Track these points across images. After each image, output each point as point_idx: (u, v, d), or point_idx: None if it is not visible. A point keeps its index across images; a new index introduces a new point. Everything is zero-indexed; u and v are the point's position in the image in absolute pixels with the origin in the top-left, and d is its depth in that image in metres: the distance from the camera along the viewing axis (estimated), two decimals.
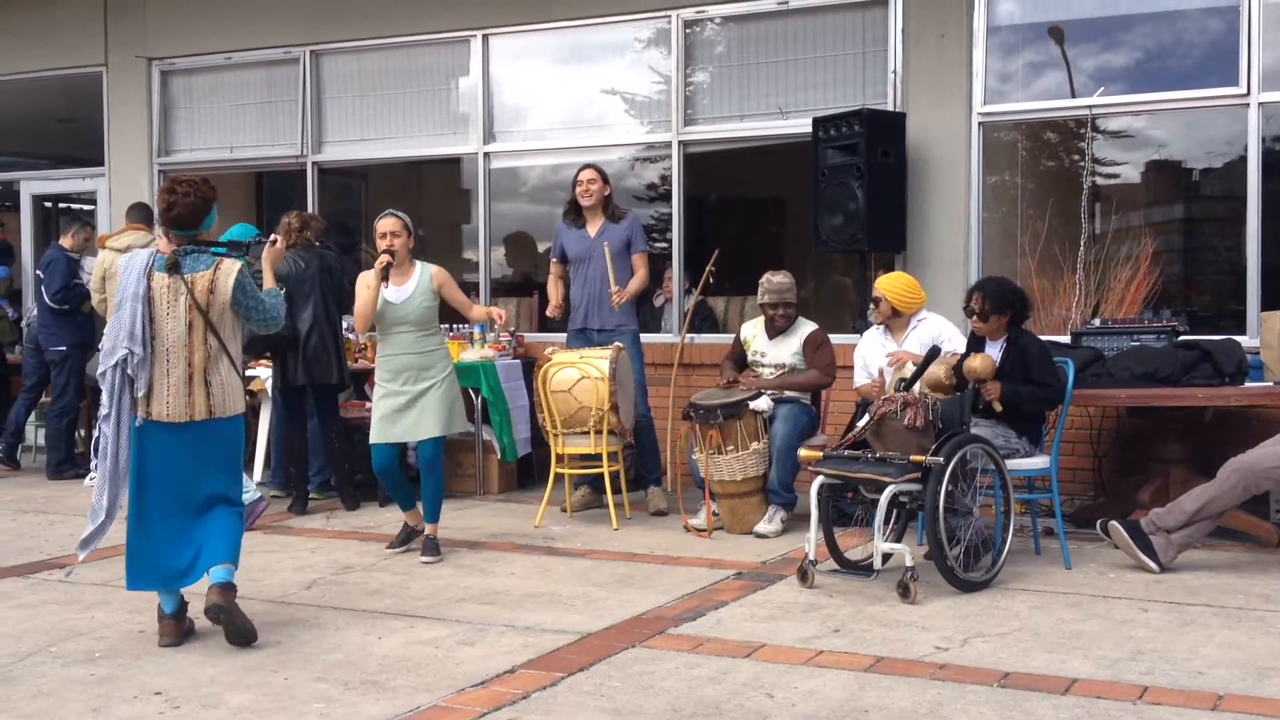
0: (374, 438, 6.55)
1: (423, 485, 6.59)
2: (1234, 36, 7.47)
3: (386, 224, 6.51)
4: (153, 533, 4.96)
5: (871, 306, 7.03)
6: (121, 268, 5.01)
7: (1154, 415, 7.01)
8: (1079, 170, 8.17)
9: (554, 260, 8.07)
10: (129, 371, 4.90)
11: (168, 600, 4.99)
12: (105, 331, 5.07)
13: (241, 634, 4.87)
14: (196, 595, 5.09)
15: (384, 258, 6.41)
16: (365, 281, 6.49)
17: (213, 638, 5.02)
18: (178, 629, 4.97)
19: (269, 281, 5.29)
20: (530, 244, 10.99)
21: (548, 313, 8.05)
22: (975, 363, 6.13)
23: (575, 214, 7.89)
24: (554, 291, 8.04)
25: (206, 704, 4.24)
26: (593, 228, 7.83)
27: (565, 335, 8.03)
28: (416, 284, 6.53)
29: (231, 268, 5.01)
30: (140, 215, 9.21)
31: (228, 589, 4.89)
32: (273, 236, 5.51)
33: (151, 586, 4.99)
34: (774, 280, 7.34)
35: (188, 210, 5.02)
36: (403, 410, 6.49)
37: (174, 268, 4.93)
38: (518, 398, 8.51)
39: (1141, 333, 7.17)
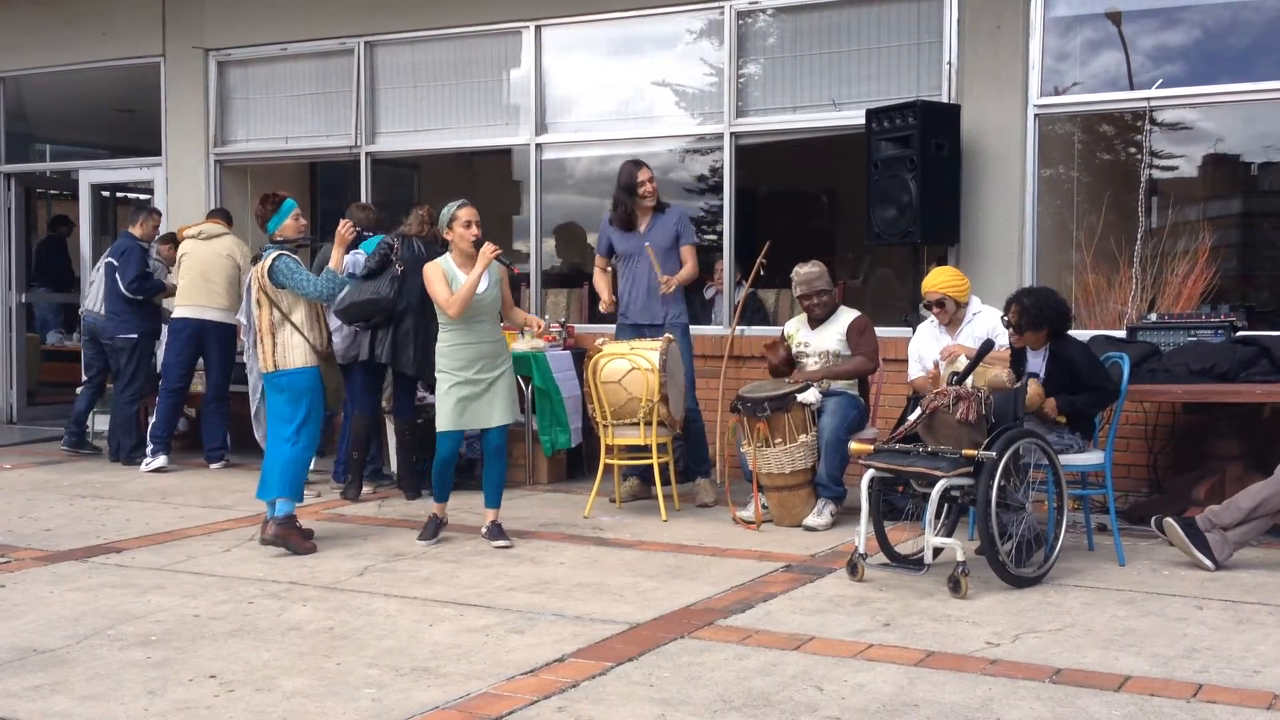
0: (446, 425, 6.57)
1: (488, 472, 6.68)
2: None
3: (474, 213, 6.60)
4: (267, 454, 6.62)
5: (933, 310, 6.86)
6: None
7: (1210, 411, 6.93)
8: (1135, 163, 8.08)
9: (599, 255, 8.06)
10: (243, 336, 6.85)
11: (270, 508, 6.54)
12: None
13: (296, 552, 6.39)
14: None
15: (495, 249, 6.47)
16: (436, 274, 6.51)
17: (266, 623, 5.08)
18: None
19: (334, 261, 6.69)
20: (581, 234, 11.01)
21: (601, 308, 7.98)
22: (1027, 396, 6.02)
23: (624, 214, 7.83)
24: (603, 287, 7.99)
25: (260, 687, 4.29)
26: (642, 224, 7.81)
27: (615, 327, 8.02)
28: (490, 274, 6.59)
29: (270, 256, 6.51)
30: (220, 214, 9.68)
31: (283, 522, 6.43)
32: (341, 220, 6.88)
33: (260, 495, 6.64)
34: (802, 271, 7.33)
35: (258, 219, 6.73)
36: (476, 398, 6.54)
37: (255, 260, 6.76)
38: (570, 388, 8.53)
39: (1199, 328, 7.08)
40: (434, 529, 6.69)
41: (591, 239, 10.85)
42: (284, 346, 6.49)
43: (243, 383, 9.21)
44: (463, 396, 6.54)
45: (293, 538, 6.42)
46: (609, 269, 8.06)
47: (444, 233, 6.65)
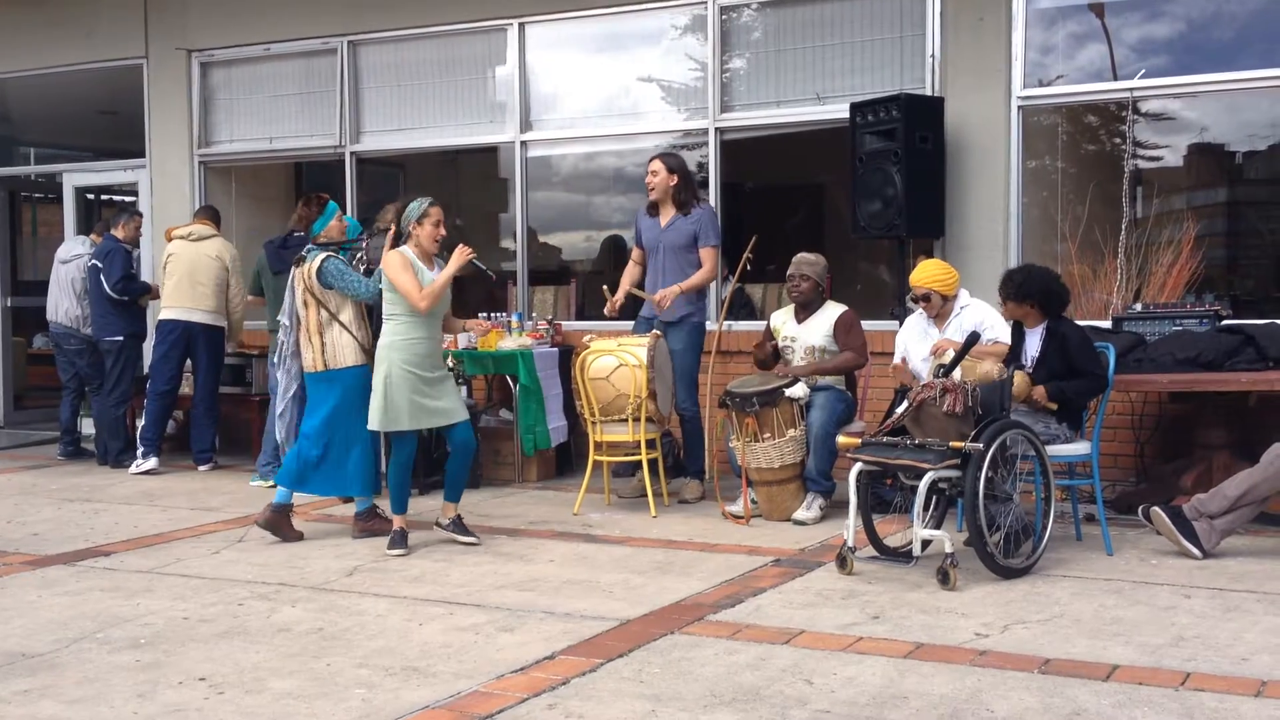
0: (410, 424, 6.42)
1: (453, 467, 6.57)
2: (1277, 17, 7.37)
3: (441, 212, 6.53)
4: (301, 447, 6.71)
5: (920, 304, 6.89)
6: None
7: (1196, 400, 6.95)
8: (1120, 154, 8.10)
9: (634, 248, 8.00)
10: (281, 336, 7.00)
11: (281, 494, 6.70)
12: None
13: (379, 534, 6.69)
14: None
15: (469, 251, 6.41)
16: (404, 263, 6.34)
17: (255, 624, 5.07)
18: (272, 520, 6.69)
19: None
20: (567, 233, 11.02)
21: (605, 310, 7.76)
22: (1013, 387, 6.04)
23: (652, 205, 7.84)
24: (624, 281, 7.83)
25: (250, 689, 4.28)
26: (664, 218, 7.77)
27: (629, 322, 7.94)
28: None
29: (317, 258, 6.64)
30: (208, 213, 9.59)
31: (362, 516, 6.84)
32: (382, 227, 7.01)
33: (279, 482, 6.78)
34: (799, 255, 7.40)
35: (302, 222, 6.89)
36: (430, 397, 6.42)
37: (299, 261, 6.77)
38: (550, 386, 8.49)
39: (1184, 317, 7.10)
40: (402, 538, 6.44)
41: (584, 235, 10.89)
42: (334, 345, 6.63)
43: (235, 385, 9.21)
44: (419, 394, 6.38)
45: (372, 525, 6.79)
46: (643, 262, 7.92)
47: (410, 227, 6.43)
